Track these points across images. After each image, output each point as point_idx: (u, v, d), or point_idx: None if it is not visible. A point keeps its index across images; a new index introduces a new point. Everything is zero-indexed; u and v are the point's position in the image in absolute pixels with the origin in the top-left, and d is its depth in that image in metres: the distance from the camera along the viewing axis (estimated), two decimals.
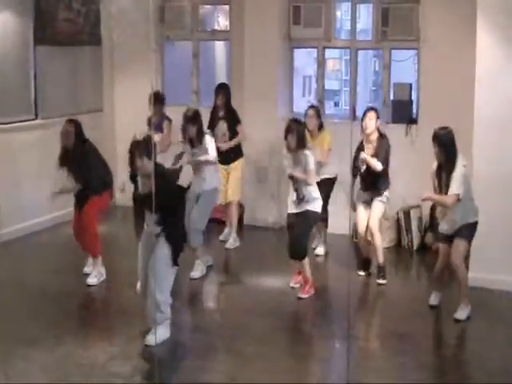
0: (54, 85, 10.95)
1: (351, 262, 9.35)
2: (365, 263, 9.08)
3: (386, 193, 8.83)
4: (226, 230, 10.29)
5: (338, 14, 11.94)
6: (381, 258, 8.89)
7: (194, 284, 8.81)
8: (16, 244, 10.07)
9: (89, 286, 8.61)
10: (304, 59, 14.89)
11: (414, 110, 10.46)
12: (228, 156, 9.96)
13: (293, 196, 8.39)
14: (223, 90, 10.24)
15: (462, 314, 7.79)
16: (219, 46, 13.37)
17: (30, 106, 10.68)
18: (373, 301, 8.79)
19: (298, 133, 8.30)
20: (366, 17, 12.23)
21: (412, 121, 10.29)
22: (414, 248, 10.02)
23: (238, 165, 10.20)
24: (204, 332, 7.51)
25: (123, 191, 11.19)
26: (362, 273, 9.03)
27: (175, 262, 7.13)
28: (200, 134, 8.86)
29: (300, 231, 8.40)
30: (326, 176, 9.43)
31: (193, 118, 8.83)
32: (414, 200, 9.77)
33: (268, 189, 11.08)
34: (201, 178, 8.93)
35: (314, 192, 8.38)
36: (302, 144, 8.32)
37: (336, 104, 18.76)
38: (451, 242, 7.81)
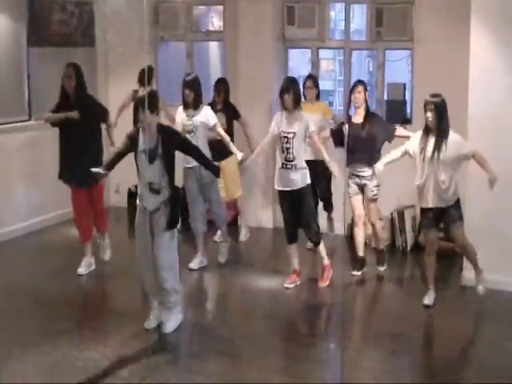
0: (47, 86, 10.92)
1: (346, 261, 9.34)
2: (359, 263, 9.09)
3: (375, 182, 8.84)
4: (219, 232, 10.23)
5: (332, 14, 11.95)
6: (382, 244, 9.17)
7: (188, 283, 8.81)
8: (8, 246, 10.07)
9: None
10: (298, 60, 14.89)
11: (408, 110, 10.48)
12: (221, 151, 9.67)
13: (282, 157, 8.35)
14: (222, 85, 10.27)
15: (482, 288, 8.07)
16: (213, 47, 13.37)
17: (24, 107, 10.67)
18: (367, 301, 8.79)
19: (294, 91, 8.30)
20: (359, 17, 12.25)
21: (406, 121, 10.31)
22: (408, 248, 10.03)
23: (230, 161, 10.05)
24: (197, 333, 7.51)
25: (118, 192, 11.21)
26: (356, 273, 9.03)
27: (175, 225, 7.27)
28: (197, 100, 8.89)
29: (305, 212, 8.42)
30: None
31: (191, 83, 8.88)
32: (408, 200, 9.80)
33: (262, 190, 11.08)
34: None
35: (302, 158, 8.37)
36: (298, 103, 8.34)
37: (330, 104, 18.77)
38: (437, 226, 8.01)
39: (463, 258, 8.44)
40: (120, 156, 7.34)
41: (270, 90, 10.94)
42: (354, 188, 8.92)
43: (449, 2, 9.60)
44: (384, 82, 10.72)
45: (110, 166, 7.38)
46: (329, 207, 10.15)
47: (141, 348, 7.05)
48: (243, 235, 10.59)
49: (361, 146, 8.71)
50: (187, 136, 8.60)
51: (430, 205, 7.89)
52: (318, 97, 9.99)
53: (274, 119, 8.53)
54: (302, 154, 8.37)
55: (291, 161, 8.31)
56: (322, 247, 8.60)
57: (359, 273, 9.03)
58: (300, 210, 8.42)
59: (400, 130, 8.91)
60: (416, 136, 7.99)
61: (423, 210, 8.07)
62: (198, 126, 8.89)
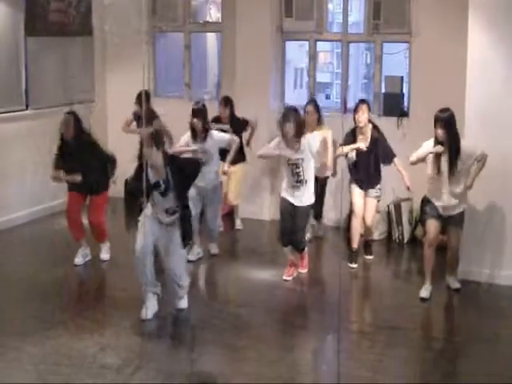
0: (45, 75, 10.93)
1: (343, 254, 9.35)
2: (355, 255, 9.11)
3: (378, 186, 8.91)
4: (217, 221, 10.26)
5: (330, 6, 11.92)
6: (371, 236, 9.39)
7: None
8: (5, 235, 10.05)
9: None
10: (296, 52, 14.87)
11: (406, 103, 10.48)
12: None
13: (291, 180, 8.33)
14: (227, 103, 10.19)
15: (456, 284, 8.26)
16: (211, 38, 13.35)
17: (21, 97, 10.65)
18: (364, 293, 8.79)
19: (296, 121, 8.22)
20: (357, 10, 12.22)
21: (403, 114, 10.31)
22: (405, 241, 10.04)
23: (239, 168, 10.24)
24: (192, 323, 7.52)
25: (115, 183, 11.17)
26: (353, 265, 9.05)
27: (190, 240, 7.67)
28: (205, 129, 8.93)
29: (300, 227, 8.50)
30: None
31: (199, 112, 8.91)
32: (405, 193, 9.80)
33: (260, 181, 11.07)
34: (203, 173, 8.69)
35: (312, 177, 8.39)
36: (300, 132, 8.25)
37: (327, 97, 18.73)
38: (439, 219, 8.04)
39: (459, 251, 8.45)
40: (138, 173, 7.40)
41: (267, 82, 10.94)
42: (356, 190, 9.02)
43: None
44: (381, 75, 10.71)
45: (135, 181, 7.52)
46: (319, 217, 10.18)
47: (136, 337, 7.06)
48: (238, 224, 10.70)
49: (368, 172, 8.89)
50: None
51: (445, 214, 7.98)
52: (319, 121, 9.69)
53: (274, 143, 8.45)
54: (311, 174, 8.38)
55: (301, 181, 8.33)
56: (305, 252, 8.84)
57: (356, 265, 9.05)
58: (295, 223, 8.44)
59: (398, 162, 8.84)
60: (427, 145, 7.96)
61: (429, 202, 8.08)
62: (212, 157, 9.00)
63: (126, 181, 10.72)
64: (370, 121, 8.93)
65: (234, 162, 9.84)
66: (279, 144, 8.36)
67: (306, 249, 8.80)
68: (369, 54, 16.27)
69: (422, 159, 7.97)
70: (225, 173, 9.34)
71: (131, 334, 7.16)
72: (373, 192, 8.96)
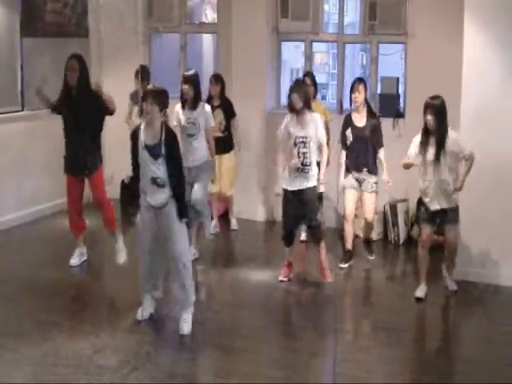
0: (40, 76, 10.90)
1: (337, 254, 9.36)
2: (347, 255, 9.14)
3: (374, 178, 8.91)
4: (213, 223, 10.25)
5: (326, 7, 11.94)
6: (373, 235, 9.33)
7: None
8: (0, 236, 10.04)
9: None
10: (292, 52, 14.90)
11: (401, 104, 10.49)
12: (220, 146, 9.75)
13: (297, 162, 8.19)
14: (218, 80, 10.20)
15: (454, 285, 8.19)
16: (207, 39, 13.36)
17: (17, 98, 10.64)
18: (360, 294, 8.79)
19: (303, 92, 8.19)
20: (353, 11, 12.25)
21: (399, 114, 10.32)
22: (401, 242, 10.05)
23: (229, 157, 10.20)
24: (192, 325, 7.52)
25: (111, 183, 11.16)
26: (343, 265, 9.04)
27: (186, 215, 7.22)
28: (197, 98, 8.74)
29: (311, 210, 8.32)
30: None
31: (191, 78, 8.75)
32: (401, 194, 9.83)
33: (256, 181, 11.08)
34: (194, 149, 8.74)
35: (314, 164, 8.30)
36: (307, 104, 8.21)
37: (323, 97, 18.77)
38: (434, 223, 8.04)
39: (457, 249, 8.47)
40: (135, 161, 7.25)
41: (263, 83, 10.96)
42: (351, 181, 8.95)
43: None
44: (377, 76, 10.73)
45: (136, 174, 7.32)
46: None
47: (133, 338, 7.07)
48: (234, 224, 10.62)
49: (365, 149, 8.83)
50: (189, 139, 8.64)
51: (438, 207, 7.94)
52: (315, 95, 9.76)
53: (284, 123, 8.36)
54: (315, 158, 8.30)
55: (308, 165, 8.21)
56: (322, 247, 8.51)
57: (346, 265, 9.04)
58: (306, 207, 8.30)
59: (382, 153, 8.90)
60: (415, 142, 7.96)
61: (423, 204, 8.08)
62: (200, 129, 8.78)
63: (123, 182, 10.71)
64: (366, 100, 8.96)
65: (222, 152, 9.86)
66: (289, 122, 8.29)
67: (325, 261, 8.59)
68: (365, 55, 16.31)
69: (409, 166, 8.02)
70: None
71: (128, 335, 7.16)
72: (369, 187, 8.92)
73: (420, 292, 8.13)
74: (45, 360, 6.62)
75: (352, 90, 8.90)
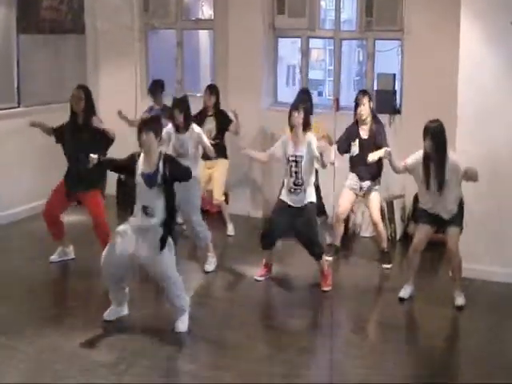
0: (37, 73, 10.91)
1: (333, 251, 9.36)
2: (333, 249, 9.21)
3: (376, 186, 8.95)
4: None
5: (323, 3, 11.94)
6: (385, 244, 9.11)
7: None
8: None
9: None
10: (288, 49, 14.90)
11: (398, 100, 10.48)
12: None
13: (289, 181, 8.19)
14: (213, 91, 10.22)
15: (460, 300, 7.94)
16: (203, 35, 13.35)
17: (13, 94, 10.62)
18: (355, 290, 8.77)
19: (305, 111, 8.18)
20: (350, 7, 12.25)
21: (395, 111, 10.31)
22: (397, 238, 10.05)
23: (220, 164, 10.19)
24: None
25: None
26: (328, 257, 8.89)
27: (164, 247, 7.07)
28: (187, 122, 8.73)
29: (311, 230, 8.24)
30: None
31: (179, 103, 8.75)
32: (397, 190, 9.83)
33: (250, 179, 11.08)
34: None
35: (311, 180, 8.26)
36: (306, 124, 8.19)
37: (320, 94, 18.75)
38: (433, 223, 7.97)
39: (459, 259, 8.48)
40: (116, 164, 7.35)
41: (260, 79, 10.95)
42: (352, 182, 9.01)
43: None
44: (374, 72, 10.71)
45: (106, 161, 7.39)
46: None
47: (129, 335, 7.07)
48: (230, 230, 10.47)
49: (369, 164, 8.73)
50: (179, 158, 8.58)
51: (445, 217, 7.90)
52: (311, 112, 9.52)
53: (280, 141, 8.39)
54: (310, 177, 8.24)
55: (300, 185, 8.18)
56: (323, 260, 8.41)
57: (331, 258, 9.01)
58: (300, 226, 8.24)
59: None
60: (417, 156, 7.87)
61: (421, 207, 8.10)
62: (189, 149, 8.72)
63: (119, 178, 10.72)
64: (372, 111, 8.96)
65: (216, 157, 9.80)
66: (285, 142, 8.31)
67: (326, 260, 8.54)
68: (361, 52, 16.30)
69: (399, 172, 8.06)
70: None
71: (124, 332, 7.16)
72: (371, 187, 8.97)
73: (403, 292, 8.12)
74: (40, 357, 6.63)
75: (357, 104, 8.91)
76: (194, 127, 8.79)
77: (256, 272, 8.66)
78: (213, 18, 11.75)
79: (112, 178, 9.54)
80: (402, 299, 8.08)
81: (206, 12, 12.74)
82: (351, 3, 11.53)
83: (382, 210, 10.02)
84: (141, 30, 11.89)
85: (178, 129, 8.75)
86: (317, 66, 19.23)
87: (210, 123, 10.08)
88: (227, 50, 10.97)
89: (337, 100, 10.69)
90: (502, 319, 7.68)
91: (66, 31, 11.50)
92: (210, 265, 8.97)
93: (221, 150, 10.02)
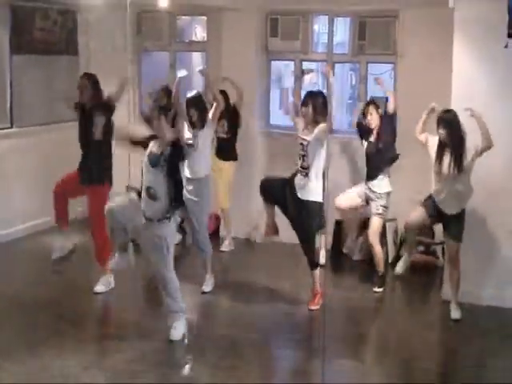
0: (30, 93, 10.91)
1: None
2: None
3: (382, 201, 8.91)
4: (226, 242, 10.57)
5: (316, 27, 11.95)
6: (381, 267, 9.08)
7: None
8: None
9: (96, 293, 8.58)
10: (281, 72, 14.92)
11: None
12: (223, 152, 10.18)
13: (298, 163, 8.26)
14: (223, 95, 10.22)
15: (457, 313, 8.08)
16: (196, 57, 13.36)
17: (6, 115, 10.62)
18: (346, 312, 8.74)
19: (313, 105, 8.22)
20: (343, 30, 12.25)
21: None
22: (390, 261, 10.03)
23: (229, 167, 10.33)
24: (179, 342, 7.47)
25: None
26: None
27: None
28: (203, 119, 8.73)
29: (305, 233, 8.27)
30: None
31: (195, 101, 8.75)
32: (390, 214, 9.80)
33: (246, 202, 11.05)
34: (194, 160, 8.71)
35: (318, 168, 8.21)
36: (317, 120, 8.18)
37: None
38: (433, 214, 8.13)
39: (443, 272, 8.47)
40: (136, 141, 7.49)
41: (253, 102, 10.95)
42: (360, 189, 9.09)
43: (432, 17, 9.64)
44: (367, 96, 10.74)
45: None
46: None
47: (120, 357, 7.02)
48: (225, 245, 10.55)
49: (373, 163, 8.92)
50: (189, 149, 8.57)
51: (447, 211, 8.02)
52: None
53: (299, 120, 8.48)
54: (318, 164, 8.19)
55: (306, 168, 8.21)
56: (316, 274, 8.41)
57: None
58: (297, 224, 8.31)
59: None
60: (435, 139, 8.07)
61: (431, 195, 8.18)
62: (199, 143, 8.72)
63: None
64: (381, 118, 9.01)
65: (225, 159, 10.07)
66: (298, 122, 8.47)
67: (319, 287, 8.44)
68: (354, 75, 16.33)
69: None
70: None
71: (115, 353, 7.12)
72: (374, 208, 8.97)
73: (398, 267, 8.46)
74: (31, 377, 6.59)
75: (364, 115, 9.02)
76: (209, 123, 8.77)
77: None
78: (206, 39, 11.79)
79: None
80: (397, 275, 8.47)
81: (200, 34, 12.77)
82: (344, 26, 11.54)
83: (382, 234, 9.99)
84: (134, 52, 11.90)
85: (193, 126, 8.73)
86: (310, 89, 19.25)
87: (222, 118, 10.00)
88: (220, 72, 10.98)
89: (330, 122, 10.69)
90: (491, 343, 7.67)
91: (59, 52, 11.53)
92: (208, 286, 8.94)
93: (230, 152, 10.28)
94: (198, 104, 8.75)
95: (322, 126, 8.09)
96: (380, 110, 9.03)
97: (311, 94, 8.39)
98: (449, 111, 7.90)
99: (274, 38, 11.03)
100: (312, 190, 8.18)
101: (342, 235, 9.68)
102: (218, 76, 10.43)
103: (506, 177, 8.36)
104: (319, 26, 13.05)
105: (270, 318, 8.31)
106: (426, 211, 8.17)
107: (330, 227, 9.81)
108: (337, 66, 11.28)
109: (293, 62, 11.28)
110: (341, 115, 15.09)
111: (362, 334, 8.08)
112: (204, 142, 8.76)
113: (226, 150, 10.28)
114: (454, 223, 8.01)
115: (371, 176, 8.95)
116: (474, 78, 8.34)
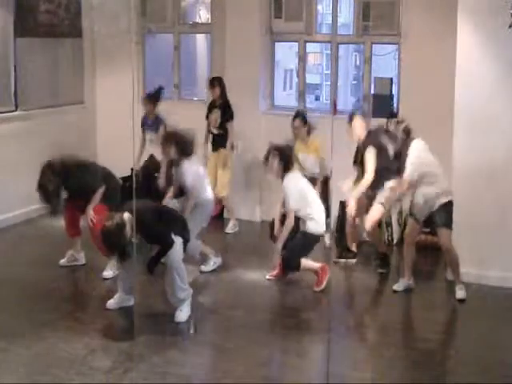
0: (34, 77, 10.91)
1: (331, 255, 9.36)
2: (351, 254, 9.31)
3: (384, 193, 8.89)
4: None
5: (320, 8, 11.92)
6: (382, 248, 9.16)
7: None
8: None
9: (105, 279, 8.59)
10: (285, 53, 14.90)
11: (395, 104, 10.49)
12: (218, 142, 10.42)
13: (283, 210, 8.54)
14: (216, 83, 10.40)
15: (461, 293, 8.07)
16: (200, 39, 13.35)
17: (10, 98, 10.63)
18: (352, 294, 8.79)
19: (278, 159, 8.41)
20: (347, 11, 12.25)
21: (392, 115, 10.28)
22: (394, 242, 10.04)
23: (222, 153, 10.40)
24: (183, 325, 7.49)
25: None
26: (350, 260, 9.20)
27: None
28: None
29: (295, 247, 8.37)
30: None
31: (171, 138, 8.80)
32: None
33: (249, 182, 11.07)
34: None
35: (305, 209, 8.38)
36: (281, 173, 8.43)
37: (317, 98, 18.74)
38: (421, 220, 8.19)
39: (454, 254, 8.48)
40: None
41: (257, 83, 10.95)
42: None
43: None
44: (371, 77, 10.72)
45: None
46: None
47: (126, 339, 7.05)
48: (230, 227, 10.60)
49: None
50: None
51: (417, 217, 8.16)
52: (309, 133, 9.72)
53: None
54: (301, 204, 8.34)
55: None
56: (303, 265, 8.42)
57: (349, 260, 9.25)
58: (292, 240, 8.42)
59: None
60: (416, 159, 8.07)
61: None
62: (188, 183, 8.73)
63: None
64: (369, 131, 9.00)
65: (220, 147, 10.37)
66: None
67: (317, 265, 8.45)
68: (358, 56, 16.30)
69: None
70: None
71: (121, 336, 7.15)
72: (380, 197, 8.94)
73: (397, 285, 8.30)
74: (37, 360, 6.62)
75: (350, 124, 9.01)
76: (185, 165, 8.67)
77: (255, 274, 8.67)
78: (210, 21, 11.76)
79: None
80: (395, 291, 8.26)
81: (204, 16, 12.74)
82: (348, 7, 11.54)
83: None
84: (138, 34, 11.89)
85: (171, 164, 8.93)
86: (314, 70, 19.21)
87: (216, 113, 10.39)
88: (224, 54, 10.98)
89: (334, 103, 10.71)
90: (498, 324, 7.67)
91: (64, 35, 11.51)
92: (208, 265, 8.96)
93: (222, 141, 10.40)
94: (175, 141, 8.71)
95: (287, 179, 8.35)
96: (365, 121, 9.05)
97: (275, 148, 8.49)
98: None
99: (278, 20, 11.00)
100: (310, 224, 8.37)
101: (346, 216, 9.65)
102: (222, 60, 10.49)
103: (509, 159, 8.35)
104: (323, 7, 13.02)
105: (276, 299, 8.35)
106: (416, 222, 8.24)
107: (334, 209, 9.81)
108: (341, 46, 11.24)
109: (297, 44, 11.25)
110: (344, 96, 15.11)
111: (366, 314, 8.10)
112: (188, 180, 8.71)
113: (220, 141, 10.45)
114: (443, 212, 8.00)
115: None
116: (478, 57, 8.31)
